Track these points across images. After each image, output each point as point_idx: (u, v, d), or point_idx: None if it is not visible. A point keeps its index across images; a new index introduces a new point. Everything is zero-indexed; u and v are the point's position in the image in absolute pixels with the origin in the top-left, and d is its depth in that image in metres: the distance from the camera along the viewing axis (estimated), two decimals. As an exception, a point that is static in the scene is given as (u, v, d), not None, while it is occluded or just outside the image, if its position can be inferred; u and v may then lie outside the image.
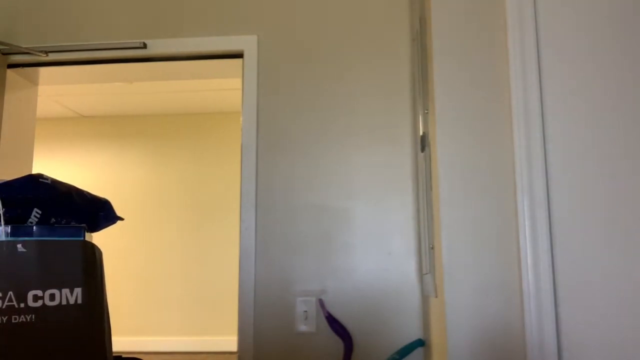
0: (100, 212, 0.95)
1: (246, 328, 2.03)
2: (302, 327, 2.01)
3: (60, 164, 4.64)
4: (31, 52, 2.26)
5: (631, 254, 1.34)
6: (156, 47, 2.25)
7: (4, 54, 2.29)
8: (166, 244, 4.51)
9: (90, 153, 4.69)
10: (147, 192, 4.60)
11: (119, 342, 4.25)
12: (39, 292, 0.76)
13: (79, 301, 0.79)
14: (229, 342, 4.25)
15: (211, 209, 4.44)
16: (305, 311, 2.01)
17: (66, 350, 0.78)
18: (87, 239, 0.88)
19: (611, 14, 1.44)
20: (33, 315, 0.75)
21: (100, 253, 0.89)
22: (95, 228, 0.94)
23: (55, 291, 0.77)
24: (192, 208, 4.49)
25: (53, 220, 0.83)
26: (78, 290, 0.80)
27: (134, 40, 2.23)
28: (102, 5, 2.35)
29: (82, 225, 0.84)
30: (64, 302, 0.78)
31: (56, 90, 3.93)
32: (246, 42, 2.22)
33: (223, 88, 3.91)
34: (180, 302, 4.45)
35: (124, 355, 1.24)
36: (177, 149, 4.64)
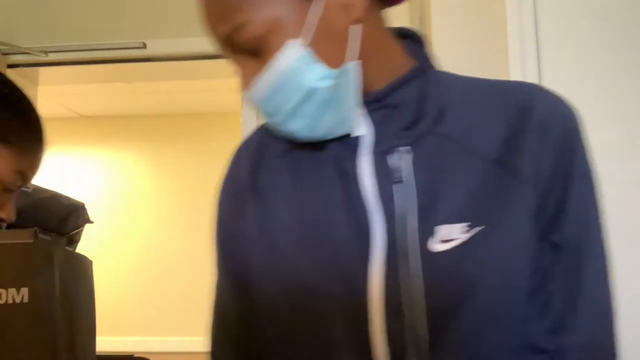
0: (71, 216, 1.00)
1: (246, 328, 2.03)
2: (302, 327, 2.01)
3: (60, 164, 4.64)
4: (31, 52, 2.26)
5: (633, 253, 1.34)
6: (156, 47, 2.25)
7: (4, 54, 2.29)
8: (166, 243, 4.50)
9: (90, 153, 4.69)
10: (146, 192, 4.60)
11: (120, 342, 4.25)
12: None
13: (25, 300, 0.84)
14: (229, 342, 4.26)
15: (211, 209, 4.43)
16: (305, 311, 2.01)
17: (16, 346, 0.84)
18: (57, 243, 0.93)
19: (612, 9, 1.44)
20: None
21: (70, 255, 0.94)
22: (64, 230, 0.99)
23: (2, 290, 0.83)
24: (191, 208, 4.49)
25: (18, 224, 0.89)
26: (24, 290, 0.84)
27: (134, 40, 2.23)
28: (102, 5, 2.35)
29: (33, 228, 0.89)
30: (10, 301, 0.83)
31: (56, 90, 3.93)
32: (246, 42, 2.22)
33: (223, 88, 3.91)
34: (180, 302, 4.45)
35: (135, 355, 1.28)
36: (176, 149, 4.64)
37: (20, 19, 2.37)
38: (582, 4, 1.46)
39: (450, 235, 0.57)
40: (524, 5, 1.46)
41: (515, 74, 1.44)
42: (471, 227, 0.57)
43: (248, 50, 0.60)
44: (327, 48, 0.59)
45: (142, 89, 4.02)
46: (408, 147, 0.60)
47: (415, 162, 0.60)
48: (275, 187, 0.67)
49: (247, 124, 2.15)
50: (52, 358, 0.83)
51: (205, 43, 2.50)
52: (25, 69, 2.39)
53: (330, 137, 0.63)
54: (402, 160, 0.60)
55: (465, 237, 0.57)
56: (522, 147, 0.60)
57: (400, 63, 0.67)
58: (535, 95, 0.63)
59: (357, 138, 0.62)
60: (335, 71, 0.59)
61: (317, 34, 0.58)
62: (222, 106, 4.42)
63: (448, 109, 0.63)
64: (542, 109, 0.62)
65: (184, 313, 4.43)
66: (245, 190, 0.71)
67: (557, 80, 1.44)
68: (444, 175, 0.59)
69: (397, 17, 2.56)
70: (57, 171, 4.62)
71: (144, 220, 4.55)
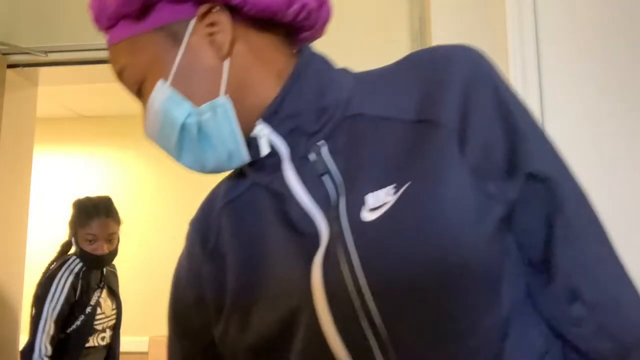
0: None
1: (246, 328, 2.03)
2: (302, 327, 2.01)
3: (60, 164, 4.64)
4: (31, 52, 2.26)
5: (630, 253, 1.34)
6: (156, 47, 2.25)
7: (3, 54, 2.29)
8: (166, 243, 4.50)
9: (90, 153, 4.69)
10: (146, 192, 4.61)
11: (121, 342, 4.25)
12: None
13: None
14: (229, 342, 4.26)
15: (211, 209, 4.44)
16: (305, 311, 2.01)
17: None
18: None
19: (612, 9, 1.44)
20: None
21: None
22: None
23: None
24: (191, 208, 4.48)
25: None
26: None
27: (134, 40, 2.23)
28: (102, 5, 2.35)
29: None
30: None
31: (56, 90, 3.93)
32: (246, 42, 2.22)
33: (223, 88, 3.91)
34: (180, 302, 4.45)
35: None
36: (177, 149, 4.64)
37: (20, 19, 2.37)
38: (583, 3, 1.46)
39: (378, 202, 0.55)
40: (524, 5, 1.46)
41: (515, 73, 1.45)
42: (398, 188, 0.55)
43: (136, 92, 0.65)
44: (195, 86, 0.62)
45: (142, 89, 4.02)
46: (322, 141, 0.61)
47: (332, 150, 0.60)
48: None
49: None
50: None
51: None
52: (25, 69, 2.39)
53: (225, 170, 0.67)
54: (321, 154, 0.61)
55: (394, 198, 0.54)
56: (440, 101, 0.58)
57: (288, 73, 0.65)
58: (439, 51, 0.62)
59: (275, 156, 0.62)
60: (201, 107, 0.61)
61: (185, 73, 0.61)
62: (222, 106, 4.42)
63: (354, 96, 0.63)
64: (453, 61, 0.60)
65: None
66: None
67: (557, 80, 1.44)
68: (363, 149, 0.59)
69: (397, 17, 2.57)
70: (57, 171, 4.62)
71: (144, 220, 4.55)
